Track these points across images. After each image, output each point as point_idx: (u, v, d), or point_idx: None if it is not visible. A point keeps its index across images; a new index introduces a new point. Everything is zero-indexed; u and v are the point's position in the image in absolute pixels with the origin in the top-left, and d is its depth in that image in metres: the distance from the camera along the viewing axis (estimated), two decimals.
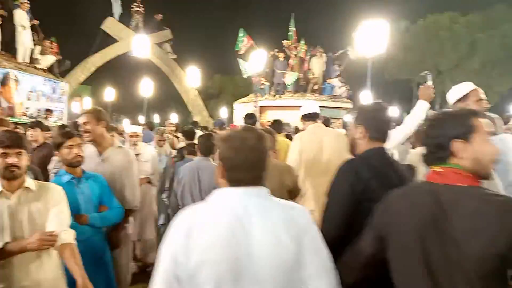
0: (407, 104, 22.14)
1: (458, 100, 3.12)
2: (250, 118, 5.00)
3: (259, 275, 1.32)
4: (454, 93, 3.15)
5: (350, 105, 14.00)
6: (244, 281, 1.31)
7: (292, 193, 3.17)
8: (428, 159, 1.56)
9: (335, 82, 13.79)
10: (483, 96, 3.07)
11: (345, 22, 16.29)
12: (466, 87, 3.11)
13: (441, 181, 1.49)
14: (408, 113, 3.60)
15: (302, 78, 13.50)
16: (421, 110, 3.50)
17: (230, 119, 17.21)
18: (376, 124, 2.09)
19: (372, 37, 14.01)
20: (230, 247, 1.31)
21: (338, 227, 1.88)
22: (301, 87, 13.45)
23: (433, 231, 1.41)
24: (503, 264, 1.33)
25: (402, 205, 1.52)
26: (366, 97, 20.17)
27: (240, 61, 14.43)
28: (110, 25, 19.24)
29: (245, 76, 14.65)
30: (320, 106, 4.56)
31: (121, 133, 6.58)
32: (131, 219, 3.43)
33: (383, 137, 2.09)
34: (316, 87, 13.59)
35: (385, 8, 16.31)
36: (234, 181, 1.43)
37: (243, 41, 14.33)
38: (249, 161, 1.41)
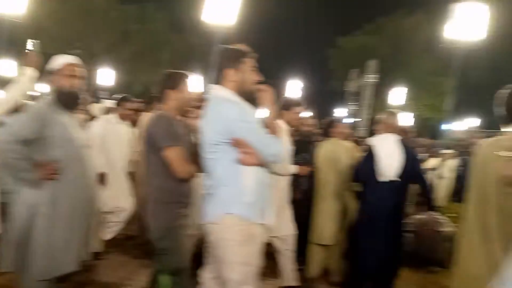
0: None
1: (53, 70, 3.00)
2: None
3: None
4: (51, 63, 3.00)
5: None
6: None
7: None
8: None
9: None
10: (77, 73, 2.98)
11: None
12: (62, 60, 2.99)
13: None
14: None
15: None
16: (24, 78, 3.35)
17: None
18: None
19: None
20: None
21: None
22: None
23: None
24: None
25: None
26: None
27: None
28: None
29: None
30: None
31: None
32: None
33: None
34: None
35: None
36: None
37: None
38: None
